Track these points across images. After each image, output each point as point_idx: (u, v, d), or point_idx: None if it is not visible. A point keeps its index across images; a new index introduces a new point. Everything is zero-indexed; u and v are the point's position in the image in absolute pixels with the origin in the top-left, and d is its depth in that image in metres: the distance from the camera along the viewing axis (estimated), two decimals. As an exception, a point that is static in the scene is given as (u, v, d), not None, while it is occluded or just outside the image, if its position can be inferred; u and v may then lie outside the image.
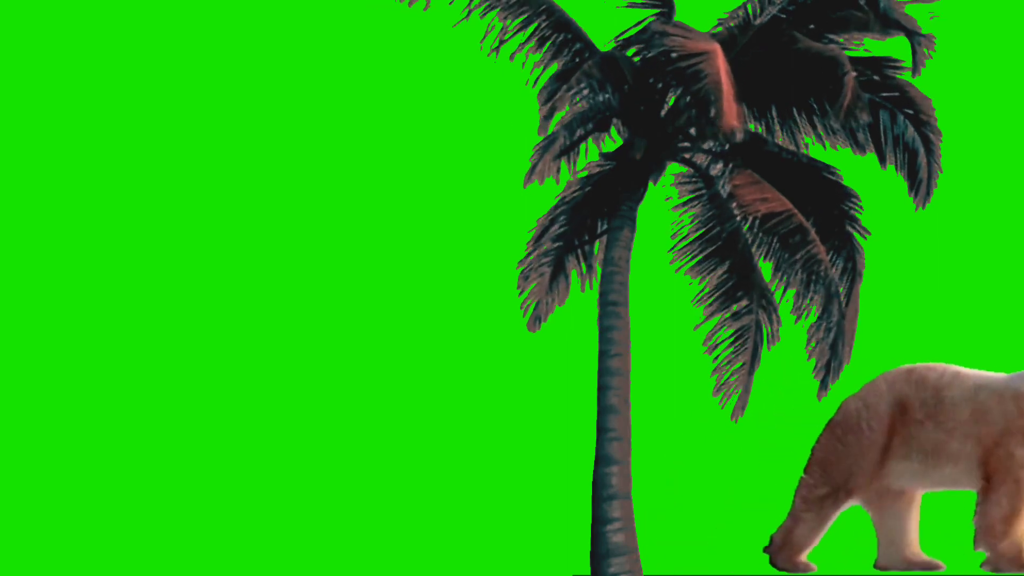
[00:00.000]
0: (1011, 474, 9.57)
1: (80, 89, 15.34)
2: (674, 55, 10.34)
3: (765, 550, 10.76)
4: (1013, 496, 9.56)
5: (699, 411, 11.91)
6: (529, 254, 11.94)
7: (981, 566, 9.84)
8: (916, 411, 10.04)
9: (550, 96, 10.81)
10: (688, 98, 11.05)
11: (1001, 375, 10.16)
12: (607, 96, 10.87)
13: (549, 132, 10.49)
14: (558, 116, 10.74)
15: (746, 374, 11.48)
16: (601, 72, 10.83)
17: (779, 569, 10.56)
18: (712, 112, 10.02)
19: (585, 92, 10.81)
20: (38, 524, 13.00)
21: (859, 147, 11.28)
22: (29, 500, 13.26)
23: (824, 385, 11.18)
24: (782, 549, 10.55)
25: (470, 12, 11.32)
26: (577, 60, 11.44)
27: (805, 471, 10.76)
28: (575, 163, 11.63)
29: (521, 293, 11.96)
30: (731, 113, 9.92)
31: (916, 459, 10.07)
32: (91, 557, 12.45)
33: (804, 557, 10.59)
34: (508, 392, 14.07)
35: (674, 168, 11.74)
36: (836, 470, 10.37)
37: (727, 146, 11.40)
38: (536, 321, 12.06)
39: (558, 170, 11.39)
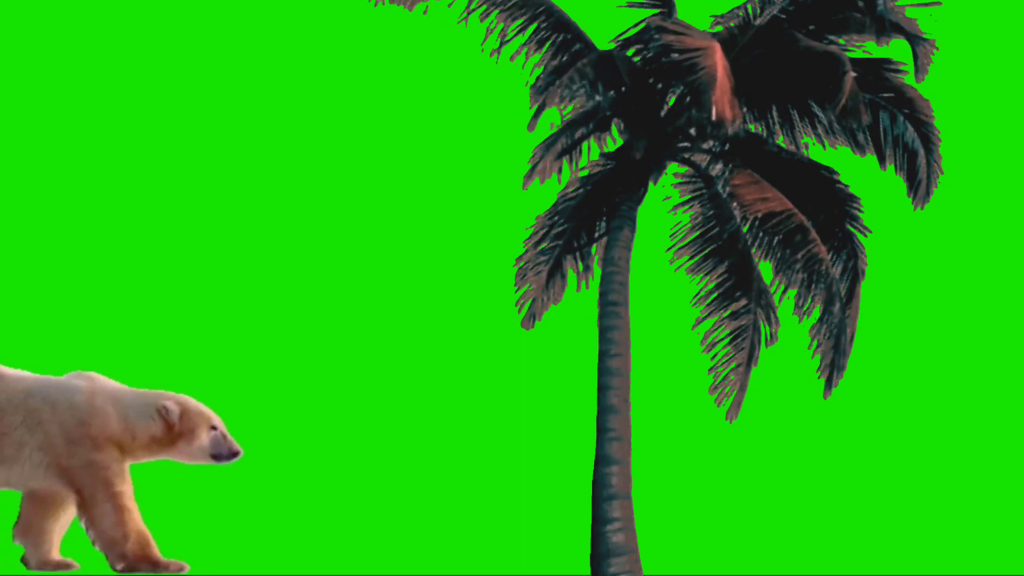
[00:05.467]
0: (98, 479, 9.47)
1: (81, 89, 15.35)
2: (672, 50, 10.34)
3: None
4: (111, 499, 9.35)
5: (699, 411, 11.90)
6: (527, 252, 11.93)
7: (118, 570, 9.41)
8: None
9: (542, 91, 10.82)
10: (683, 89, 11.04)
11: (52, 378, 9.72)
12: (600, 96, 10.87)
13: (539, 127, 10.50)
14: (549, 112, 10.76)
15: (742, 374, 11.46)
16: (595, 71, 10.83)
17: None
18: (705, 102, 9.99)
19: (578, 90, 10.80)
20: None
21: (859, 147, 11.28)
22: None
23: (829, 384, 11.16)
24: None
25: (470, 14, 11.33)
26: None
27: None
28: (576, 163, 11.65)
29: (517, 291, 11.97)
30: (724, 103, 9.91)
31: None
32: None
33: None
34: (508, 392, 14.06)
35: (674, 168, 11.74)
36: None
37: (727, 146, 11.40)
38: (531, 319, 12.06)
39: (560, 169, 11.42)
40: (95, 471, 9.51)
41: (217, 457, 9.61)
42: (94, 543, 9.62)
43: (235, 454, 9.64)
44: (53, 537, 10.21)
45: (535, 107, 10.43)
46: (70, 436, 9.55)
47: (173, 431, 9.56)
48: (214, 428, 9.67)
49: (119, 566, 9.57)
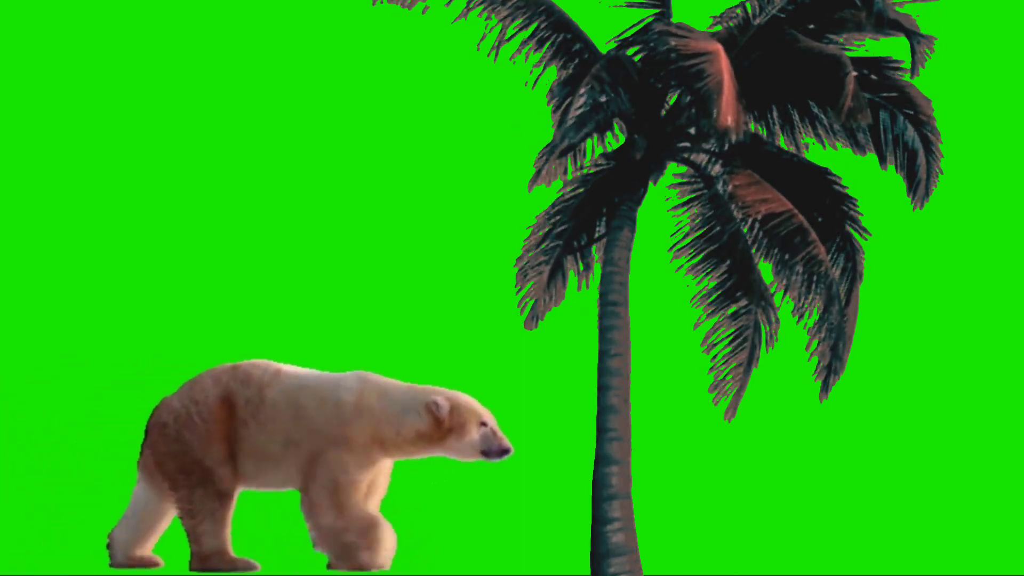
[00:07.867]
0: (328, 476, 9.43)
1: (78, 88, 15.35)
2: (675, 55, 10.34)
3: (192, 567, 9.85)
4: (333, 496, 9.42)
5: (699, 411, 11.91)
6: (527, 253, 11.93)
7: (328, 567, 9.62)
8: (241, 409, 9.63)
9: (561, 103, 10.88)
10: (689, 97, 11.05)
11: (327, 376, 9.89)
12: (616, 97, 10.86)
13: (540, 127, 10.54)
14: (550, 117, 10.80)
15: (742, 374, 11.48)
16: (610, 75, 10.85)
17: (223, 571, 9.77)
18: (712, 111, 10.01)
19: (599, 96, 10.79)
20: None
21: (859, 147, 11.28)
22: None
23: (826, 387, 11.16)
24: (209, 560, 9.76)
25: (468, 12, 11.32)
26: (578, 62, 11.44)
27: (171, 488, 9.79)
28: (579, 162, 11.65)
29: (519, 292, 11.97)
30: (728, 112, 9.92)
31: (246, 460, 9.69)
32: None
33: (232, 553, 9.86)
34: (507, 392, 14.02)
35: (674, 168, 11.74)
36: (194, 469, 9.65)
37: (727, 146, 11.40)
38: (533, 320, 12.06)
39: (565, 170, 11.45)
40: (331, 467, 9.45)
41: (487, 454, 9.63)
42: (312, 534, 9.59)
43: (505, 451, 9.63)
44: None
45: (559, 121, 10.52)
46: (331, 435, 9.52)
47: (442, 427, 9.56)
48: (484, 424, 9.65)
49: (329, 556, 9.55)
